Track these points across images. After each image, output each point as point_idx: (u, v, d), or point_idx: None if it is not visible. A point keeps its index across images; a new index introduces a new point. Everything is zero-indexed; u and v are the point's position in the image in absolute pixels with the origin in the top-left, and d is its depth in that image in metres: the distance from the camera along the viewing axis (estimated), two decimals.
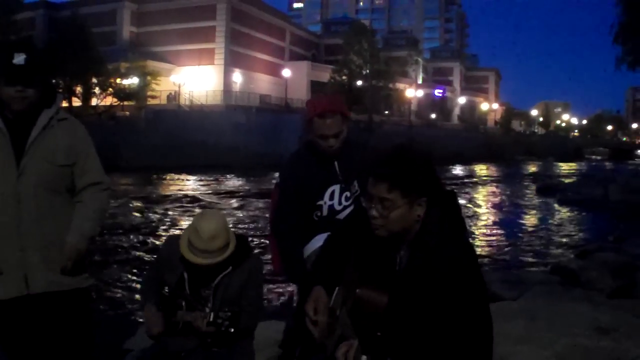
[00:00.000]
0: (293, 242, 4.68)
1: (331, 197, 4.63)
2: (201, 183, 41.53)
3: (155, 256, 5.55)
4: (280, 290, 12.59)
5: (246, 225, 22.70)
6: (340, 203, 4.63)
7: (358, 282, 2.77)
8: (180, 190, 36.39)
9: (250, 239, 16.17)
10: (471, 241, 2.70)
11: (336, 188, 4.63)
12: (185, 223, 22.32)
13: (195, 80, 76.33)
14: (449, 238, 2.71)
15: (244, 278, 4.23)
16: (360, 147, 4.81)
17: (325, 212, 4.63)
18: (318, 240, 4.50)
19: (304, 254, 4.69)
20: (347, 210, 4.59)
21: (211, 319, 3.98)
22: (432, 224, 2.73)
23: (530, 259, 18.22)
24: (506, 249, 19.92)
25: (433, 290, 2.61)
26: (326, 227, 4.45)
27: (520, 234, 23.44)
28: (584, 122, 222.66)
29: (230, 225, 4.47)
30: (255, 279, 4.35)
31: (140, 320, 9.50)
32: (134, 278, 13.94)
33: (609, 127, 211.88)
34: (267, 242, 7.95)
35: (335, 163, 4.62)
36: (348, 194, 4.65)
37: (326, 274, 3.08)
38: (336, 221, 4.48)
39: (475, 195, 41.74)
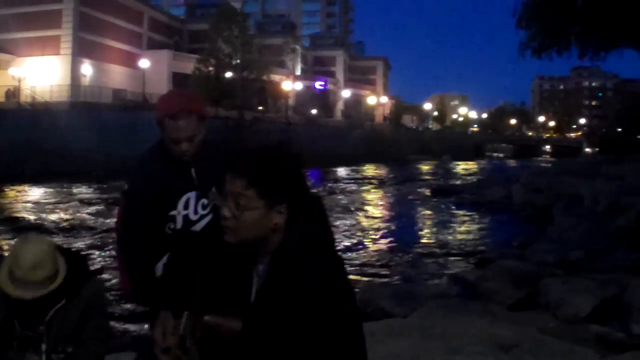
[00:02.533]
0: (144, 260, 4.47)
1: (186, 206, 4.49)
2: (45, 196, 40.52)
3: None
4: (131, 317, 12.34)
5: (92, 241, 22.37)
6: (196, 212, 4.51)
7: (207, 307, 2.67)
8: (19, 205, 35.46)
9: (94, 258, 15.94)
10: (343, 256, 2.55)
11: (191, 195, 4.49)
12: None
13: (38, 73, 74.43)
14: (313, 251, 2.63)
15: (82, 308, 4.11)
16: (221, 148, 4.72)
17: (179, 223, 4.48)
18: None
19: (156, 273, 4.48)
20: (204, 221, 4.47)
21: None
22: (295, 236, 2.65)
23: (424, 270, 18.44)
24: (397, 260, 20.14)
25: (295, 312, 2.53)
26: (181, 240, 4.32)
27: (412, 242, 23.77)
28: (484, 115, 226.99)
29: (67, 245, 4.32)
30: (97, 306, 4.24)
31: None
32: None
33: (513, 121, 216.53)
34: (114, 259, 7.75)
35: (192, 168, 4.50)
36: (205, 201, 4.53)
37: (173, 295, 2.98)
38: (192, 233, 4.39)
39: (362, 200, 42.18)
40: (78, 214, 30.14)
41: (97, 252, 20.30)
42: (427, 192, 47.24)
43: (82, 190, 43.30)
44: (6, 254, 4.16)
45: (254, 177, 2.60)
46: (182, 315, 2.89)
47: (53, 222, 27.65)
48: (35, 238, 4.03)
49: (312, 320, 2.51)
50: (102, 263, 18.24)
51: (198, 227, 4.46)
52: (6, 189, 43.02)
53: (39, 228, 25.22)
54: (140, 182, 4.53)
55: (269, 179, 2.61)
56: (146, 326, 5.14)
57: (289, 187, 2.65)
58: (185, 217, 4.48)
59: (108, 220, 26.80)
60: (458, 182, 56.71)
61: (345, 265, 2.76)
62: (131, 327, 11.96)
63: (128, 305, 12.45)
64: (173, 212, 4.46)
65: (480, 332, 7.52)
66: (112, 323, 6.14)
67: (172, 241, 4.39)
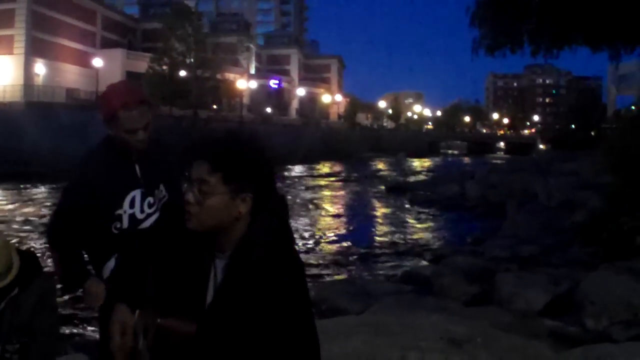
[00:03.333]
0: (71, 246, 4.47)
1: (132, 205, 4.45)
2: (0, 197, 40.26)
3: None
4: (83, 317, 12.20)
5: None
6: (142, 211, 4.48)
7: (160, 309, 2.62)
8: None
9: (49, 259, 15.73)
10: (300, 255, 2.51)
11: (137, 194, 4.47)
12: None
13: None
14: (275, 249, 2.59)
15: (33, 300, 4.06)
16: (165, 147, 4.73)
17: (125, 223, 4.43)
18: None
19: (104, 274, 4.49)
20: (151, 219, 4.49)
21: None
22: (257, 232, 2.61)
23: (378, 267, 18.45)
24: (351, 257, 20.11)
25: (252, 313, 2.47)
26: (128, 240, 4.34)
27: (367, 239, 23.78)
28: (439, 113, 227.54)
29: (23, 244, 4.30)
30: (48, 301, 4.19)
31: None
32: None
33: (467, 119, 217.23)
34: None
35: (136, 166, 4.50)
36: (151, 199, 4.52)
37: (128, 291, 2.91)
38: (139, 232, 4.39)
39: (318, 197, 42.17)
40: (33, 214, 29.86)
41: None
42: (382, 188, 47.34)
43: (37, 191, 42.85)
44: None
45: (218, 161, 2.57)
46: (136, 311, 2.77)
47: (8, 222, 27.38)
48: None
49: (269, 321, 2.47)
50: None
51: (144, 226, 4.45)
52: None
53: None
54: (83, 178, 4.50)
55: (234, 164, 2.57)
56: (96, 328, 5.10)
57: (254, 174, 2.62)
58: (132, 216, 4.45)
59: None
60: (413, 179, 56.88)
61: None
62: (82, 330, 11.85)
63: (80, 307, 12.32)
64: (119, 211, 4.43)
65: (435, 328, 7.50)
66: (62, 326, 6.08)
67: (119, 241, 4.41)
